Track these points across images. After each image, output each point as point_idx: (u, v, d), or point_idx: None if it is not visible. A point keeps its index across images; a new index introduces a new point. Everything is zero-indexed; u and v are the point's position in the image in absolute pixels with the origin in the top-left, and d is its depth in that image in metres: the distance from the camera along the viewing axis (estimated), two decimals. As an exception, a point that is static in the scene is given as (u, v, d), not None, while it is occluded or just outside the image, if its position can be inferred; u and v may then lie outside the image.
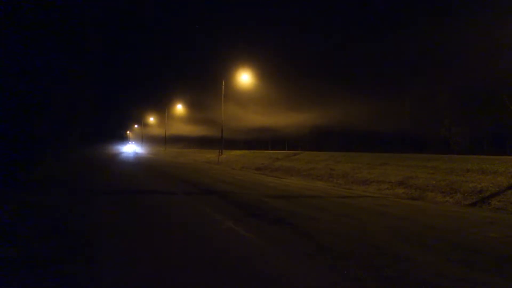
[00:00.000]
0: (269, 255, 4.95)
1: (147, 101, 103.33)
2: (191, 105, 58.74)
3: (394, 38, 31.55)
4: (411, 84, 30.46)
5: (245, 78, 34.77)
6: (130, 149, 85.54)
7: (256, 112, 43.84)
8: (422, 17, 30.39)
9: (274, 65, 42.00)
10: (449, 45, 26.00)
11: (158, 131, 79.14)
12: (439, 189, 11.97)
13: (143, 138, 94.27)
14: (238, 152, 36.46)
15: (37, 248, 4.97)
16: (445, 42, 26.49)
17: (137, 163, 31.40)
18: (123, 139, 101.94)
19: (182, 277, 4.07)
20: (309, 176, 18.48)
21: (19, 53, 10.83)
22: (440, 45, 27.00)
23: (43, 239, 5.47)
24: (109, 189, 12.22)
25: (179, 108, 59.38)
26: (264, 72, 38.50)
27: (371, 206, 9.61)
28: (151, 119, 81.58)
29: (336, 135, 37.66)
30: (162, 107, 69.06)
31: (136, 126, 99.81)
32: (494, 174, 11.88)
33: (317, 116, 36.33)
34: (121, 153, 63.05)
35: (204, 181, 15.49)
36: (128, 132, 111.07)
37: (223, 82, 35.28)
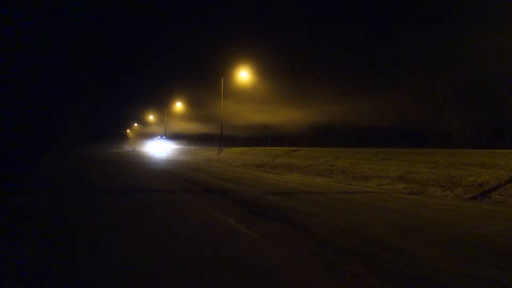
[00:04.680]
0: (270, 252, 4.96)
1: (147, 99, 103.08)
2: (191, 102, 58.70)
3: (392, 33, 31.49)
4: (410, 79, 30.42)
5: (244, 75, 34.75)
6: (159, 149, 55.97)
7: (255, 109, 43.81)
8: (421, 11, 30.28)
9: (273, 61, 41.90)
10: (449, 38, 25.91)
11: (157, 130, 78.87)
12: (439, 183, 11.98)
13: (143, 137, 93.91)
14: (238, 149, 36.44)
15: (38, 247, 4.99)
16: (445, 36, 26.40)
17: (136, 162, 31.38)
18: (124, 137, 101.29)
19: (183, 274, 4.08)
20: (309, 172, 18.49)
21: (19, 54, 10.84)
22: (439, 39, 26.91)
23: (41, 238, 5.48)
24: (109, 188, 12.21)
25: (179, 105, 59.32)
26: (263, 68, 38.49)
27: (372, 202, 9.62)
28: (151, 117, 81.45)
29: (336, 131, 37.65)
30: (161, 105, 68.93)
31: (135, 124, 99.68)
32: (494, 167, 11.89)
33: (316, 112, 36.32)
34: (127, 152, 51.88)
35: (204, 179, 15.50)
36: (127, 130, 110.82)
37: (222, 79, 35.23)
